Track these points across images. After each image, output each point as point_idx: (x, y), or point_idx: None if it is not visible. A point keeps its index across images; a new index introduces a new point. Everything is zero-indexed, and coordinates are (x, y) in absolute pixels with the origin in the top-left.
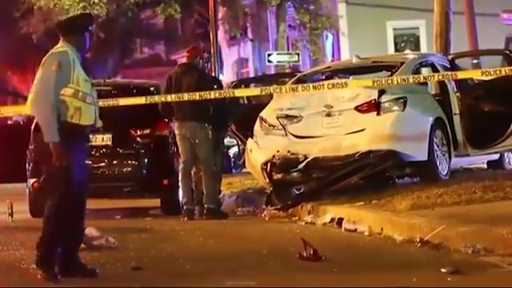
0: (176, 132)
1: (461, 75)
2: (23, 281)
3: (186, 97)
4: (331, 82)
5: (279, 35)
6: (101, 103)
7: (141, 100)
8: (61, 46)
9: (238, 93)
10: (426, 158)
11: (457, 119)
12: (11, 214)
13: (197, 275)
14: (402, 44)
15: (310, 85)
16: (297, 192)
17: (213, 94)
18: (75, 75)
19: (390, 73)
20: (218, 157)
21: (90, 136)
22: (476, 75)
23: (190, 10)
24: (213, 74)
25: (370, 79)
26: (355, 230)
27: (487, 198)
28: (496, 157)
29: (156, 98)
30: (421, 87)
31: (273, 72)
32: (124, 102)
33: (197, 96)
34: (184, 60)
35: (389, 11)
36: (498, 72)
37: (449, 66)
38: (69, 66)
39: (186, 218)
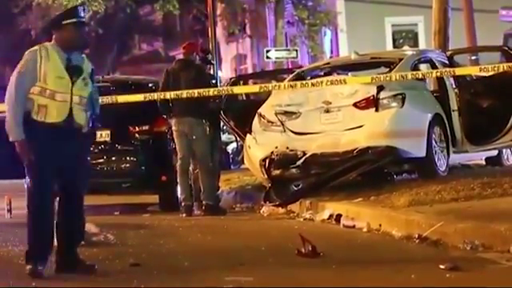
0: (173, 128)
1: (459, 71)
2: (21, 277)
3: (184, 94)
4: (330, 78)
5: (277, 31)
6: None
7: (139, 97)
8: (42, 44)
9: (237, 90)
10: (424, 155)
11: (455, 115)
12: (10, 211)
13: (195, 271)
14: (401, 40)
15: (309, 82)
16: (295, 188)
17: (212, 92)
18: (42, 73)
19: (388, 69)
20: (216, 153)
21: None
22: (474, 71)
23: (189, 7)
24: (211, 72)
25: (369, 76)
26: (354, 226)
27: (485, 194)
28: (494, 153)
29: (155, 96)
30: (419, 83)
31: (271, 68)
32: (122, 99)
33: (195, 93)
34: (181, 56)
35: (387, 7)
36: (496, 68)
37: (447, 62)
38: (33, 65)
39: (184, 215)
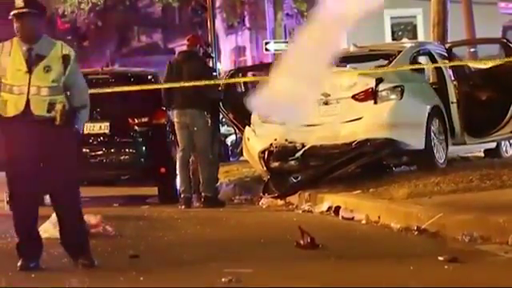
0: (175, 120)
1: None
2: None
3: (177, 85)
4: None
5: (276, 24)
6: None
7: (135, 87)
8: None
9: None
10: (423, 147)
11: (454, 108)
12: (9, 203)
13: (194, 263)
14: (400, 33)
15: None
16: (294, 180)
17: (213, 82)
18: (3, 68)
19: (387, 61)
20: (216, 145)
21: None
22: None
23: None
24: (210, 64)
25: (368, 68)
26: (352, 218)
27: (484, 186)
28: (493, 145)
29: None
30: (418, 76)
31: (270, 60)
32: (119, 89)
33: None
34: (184, 48)
35: (386, 0)
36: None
37: (446, 54)
38: None
39: (183, 207)
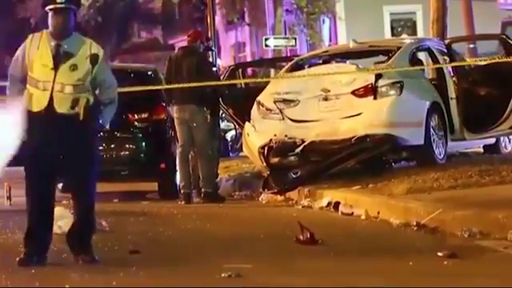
0: (175, 116)
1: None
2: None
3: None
4: (328, 66)
5: (276, 20)
6: None
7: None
8: (40, 31)
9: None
10: (422, 142)
11: (453, 104)
12: (9, 198)
13: (194, 259)
14: (399, 29)
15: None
16: (294, 176)
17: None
18: (30, 62)
19: (386, 57)
20: (215, 141)
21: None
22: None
23: None
24: (210, 59)
25: (367, 64)
26: (352, 213)
27: (483, 182)
28: (492, 141)
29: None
30: (417, 72)
31: (270, 56)
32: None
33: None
34: (184, 44)
35: None
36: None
37: (445, 50)
38: (22, 53)
39: (183, 202)
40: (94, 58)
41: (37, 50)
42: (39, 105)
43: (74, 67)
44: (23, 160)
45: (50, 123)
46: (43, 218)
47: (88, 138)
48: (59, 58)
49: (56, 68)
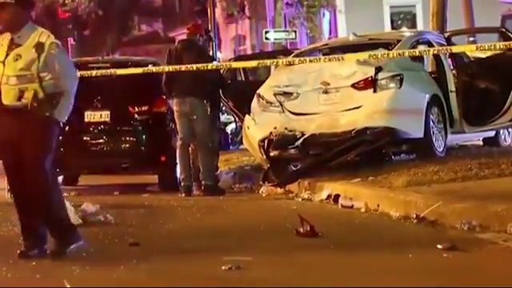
0: (175, 109)
1: (455, 49)
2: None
3: (183, 68)
4: (328, 56)
5: (276, 13)
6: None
7: (137, 70)
8: None
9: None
10: (422, 135)
11: (453, 96)
12: (10, 190)
13: (194, 251)
14: (399, 22)
15: (307, 58)
16: (294, 168)
17: (210, 67)
18: None
19: (386, 50)
20: (215, 133)
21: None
22: (470, 50)
23: None
24: (210, 53)
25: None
26: (352, 206)
27: (483, 174)
28: (492, 134)
29: (153, 69)
30: (417, 64)
31: (270, 49)
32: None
33: (194, 67)
34: (184, 36)
35: None
36: (492, 47)
37: (445, 43)
38: None
39: (183, 195)
40: (40, 47)
41: (1, 48)
42: (5, 98)
43: (17, 57)
44: None
45: (1, 116)
46: (25, 209)
47: (36, 130)
48: (9, 50)
49: (4, 61)
